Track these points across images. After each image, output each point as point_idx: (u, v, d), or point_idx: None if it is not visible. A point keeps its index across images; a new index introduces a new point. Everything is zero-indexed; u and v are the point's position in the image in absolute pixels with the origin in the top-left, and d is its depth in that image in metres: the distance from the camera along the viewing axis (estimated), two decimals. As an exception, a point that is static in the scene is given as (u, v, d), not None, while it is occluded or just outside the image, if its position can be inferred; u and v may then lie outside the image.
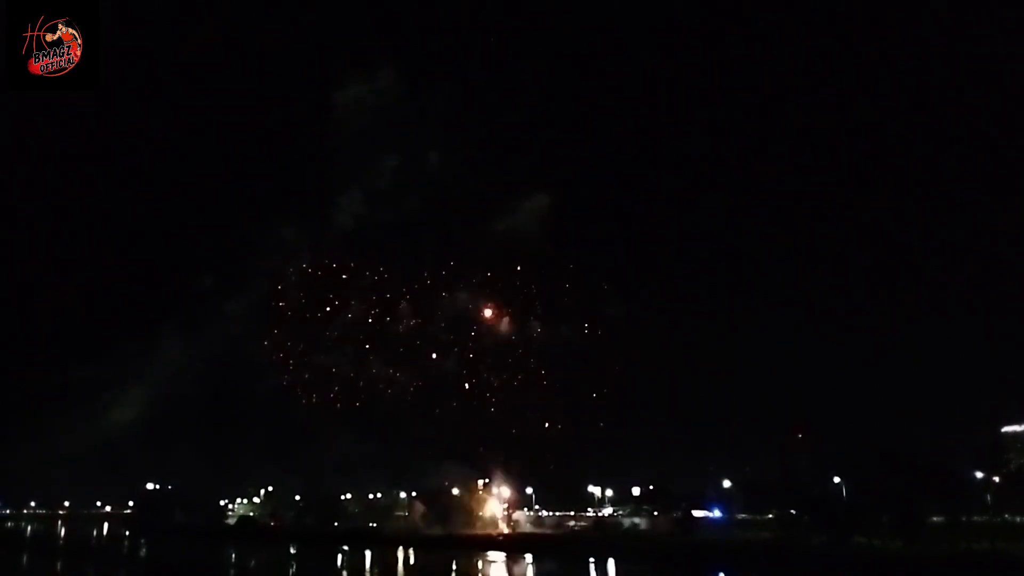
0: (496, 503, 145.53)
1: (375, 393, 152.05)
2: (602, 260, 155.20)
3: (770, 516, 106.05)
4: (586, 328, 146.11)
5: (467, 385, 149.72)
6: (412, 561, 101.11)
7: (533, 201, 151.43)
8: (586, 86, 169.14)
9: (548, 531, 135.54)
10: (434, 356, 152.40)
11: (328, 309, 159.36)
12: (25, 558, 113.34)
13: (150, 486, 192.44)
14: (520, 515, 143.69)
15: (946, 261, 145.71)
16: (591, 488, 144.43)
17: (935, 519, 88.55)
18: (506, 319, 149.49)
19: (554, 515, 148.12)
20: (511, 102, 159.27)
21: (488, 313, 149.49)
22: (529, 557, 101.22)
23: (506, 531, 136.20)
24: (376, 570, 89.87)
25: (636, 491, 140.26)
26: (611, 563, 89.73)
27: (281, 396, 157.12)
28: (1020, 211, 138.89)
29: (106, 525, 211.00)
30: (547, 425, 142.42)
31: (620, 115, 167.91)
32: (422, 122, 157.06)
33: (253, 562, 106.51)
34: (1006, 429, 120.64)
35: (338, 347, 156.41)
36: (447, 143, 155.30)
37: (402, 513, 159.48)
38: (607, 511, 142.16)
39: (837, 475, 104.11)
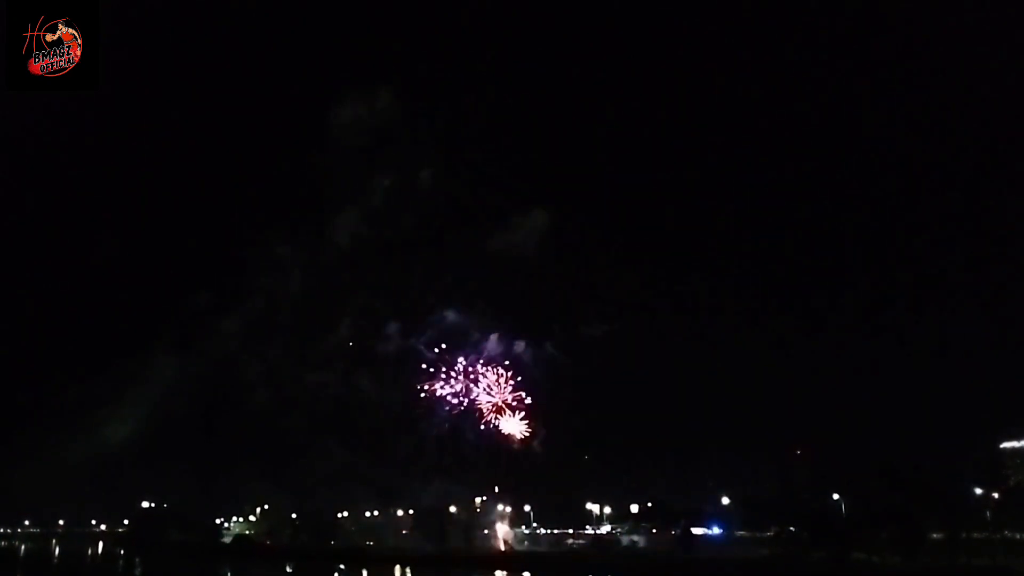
0: (493, 521, 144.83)
1: (365, 411, 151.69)
2: (598, 277, 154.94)
3: (769, 533, 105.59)
4: (578, 345, 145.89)
5: (457, 402, 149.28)
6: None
7: (526, 220, 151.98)
8: (581, 106, 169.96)
9: (546, 549, 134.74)
10: (424, 373, 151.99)
11: (320, 327, 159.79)
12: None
13: (145, 504, 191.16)
14: (508, 533, 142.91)
15: (945, 276, 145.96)
16: (589, 505, 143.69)
17: (935, 535, 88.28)
18: (495, 337, 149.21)
19: (552, 533, 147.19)
20: (503, 122, 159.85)
21: (478, 333, 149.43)
22: (527, 575, 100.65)
23: (503, 549, 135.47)
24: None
25: (635, 508, 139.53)
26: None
27: (273, 414, 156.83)
28: (1020, 227, 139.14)
29: (101, 543, 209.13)
30: (536, 444, 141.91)
31: (616, 132, 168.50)
32: (417, 141, 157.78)
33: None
34: (1005, 445, 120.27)
35: (328, 365, 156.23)
36: (441, 162, 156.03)
37: (400, 531, 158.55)
38: (605, 528, 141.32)
39: (836, 491, 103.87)
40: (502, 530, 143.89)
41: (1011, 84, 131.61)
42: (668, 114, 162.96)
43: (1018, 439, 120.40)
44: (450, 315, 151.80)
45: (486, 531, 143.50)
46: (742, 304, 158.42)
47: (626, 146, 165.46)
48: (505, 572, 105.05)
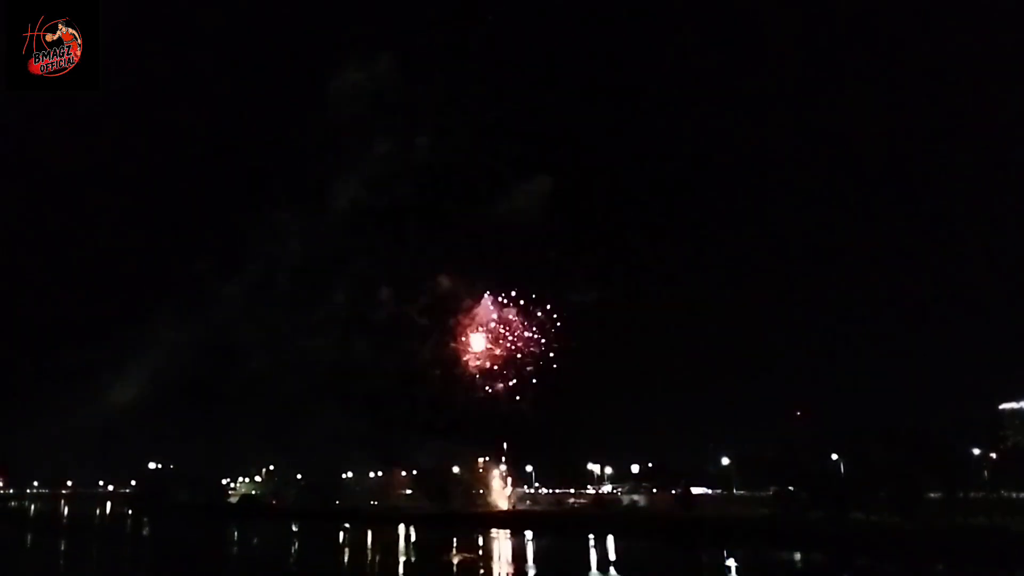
0: (495, 481, 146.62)
1: (365, 374, 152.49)
2: (599, 239, 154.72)
3: (769, 492, 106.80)
4: (578, 309, 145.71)
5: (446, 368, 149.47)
6: (413, 538, 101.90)
7: (524, 187, 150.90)
8: (579, 73, 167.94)
9: (548, 508, 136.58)
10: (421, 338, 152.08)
11: (318, 292, 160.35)
12: (30, 536, 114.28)
13: (152, 465, 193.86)
14: (509, 493, 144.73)
15: (945, 238, 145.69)
16: (590, 465, 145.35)
17: (933, 495, 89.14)
18: (491, 299, 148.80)
19: (553, 492, 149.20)
20: (502, 89, 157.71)
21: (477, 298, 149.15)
22: (529, 534, 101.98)
23: (506, 508, 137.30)
24: (378, 547, 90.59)
25: (635, 468, 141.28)
26: (610, 539, 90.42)
27: (274, 376, 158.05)
28: (1018, 187, 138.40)
29: (108, 503, 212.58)
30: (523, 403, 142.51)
31: (613, 100, 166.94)
32: (417, 107, 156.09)
33: (256, 539, 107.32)
34: (1004, 406, 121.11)
35: (328, 329, 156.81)
36: (440, 129, 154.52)
37: (402, 491, 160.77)
38: (606, 488, 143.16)
39: (835, 452, 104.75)
40: (504, 490, 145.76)
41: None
42: (665, 83, 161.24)
43: (1017, 400, 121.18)
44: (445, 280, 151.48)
45: (488, 491, 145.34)
46: (742, 266, 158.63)
47: (622, 115, 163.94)
48: (507, 531, 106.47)
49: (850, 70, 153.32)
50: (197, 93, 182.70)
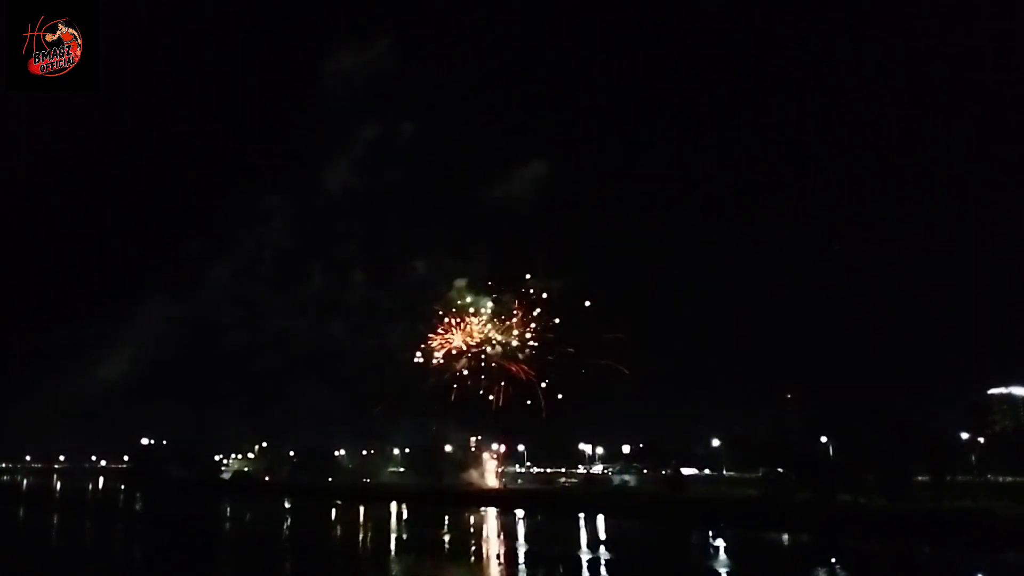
0: (486, 460, 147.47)
1: (357, 356, 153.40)
2: (593, 217, 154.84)
3: (758, 474, 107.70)
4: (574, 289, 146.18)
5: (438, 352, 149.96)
6: (405, 515, 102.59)
7: (509, 174, 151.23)
8: (570, 63, 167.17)
9: (538, 487, 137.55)
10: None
11: (309, 276, 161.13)
12: (23, 511, 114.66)
13: (145, 441, 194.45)
14: (501, 471, 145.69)
15: (935, 225, 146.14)
16: (582, 446, 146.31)
17: (920, 478, 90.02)
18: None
19: (545, 471, 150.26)
20: (493, 78, 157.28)
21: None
22: (520, 512, 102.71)
23: (498, 486, 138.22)
24: (370, 523, 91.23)
25: (626, 449, 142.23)
26: (600, 518, 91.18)
27: (259, 355, 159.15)
28: (1009, 177, 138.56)
29: (102, 479, 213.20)
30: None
31: (605, 89, 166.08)
32: (409, 93, 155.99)
33: (250, 515, 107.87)
34: (992, 391, 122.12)
35: (318, 311, 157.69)
36: (428, 116, 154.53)
37: (394, 469, 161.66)
38: (597, 468, 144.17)
39: (824, 434, 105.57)
40: (495, 468, 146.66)
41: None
42: (655, 72, 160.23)
43: (1005, 386, 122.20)
44: (446, 263, 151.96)
45: (479, 469, 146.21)
46: (736, 249, 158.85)
47: (613, 106, 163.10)
48: (497, 509, 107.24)
49: (841, 57, 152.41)
50: (184, 79, 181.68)
